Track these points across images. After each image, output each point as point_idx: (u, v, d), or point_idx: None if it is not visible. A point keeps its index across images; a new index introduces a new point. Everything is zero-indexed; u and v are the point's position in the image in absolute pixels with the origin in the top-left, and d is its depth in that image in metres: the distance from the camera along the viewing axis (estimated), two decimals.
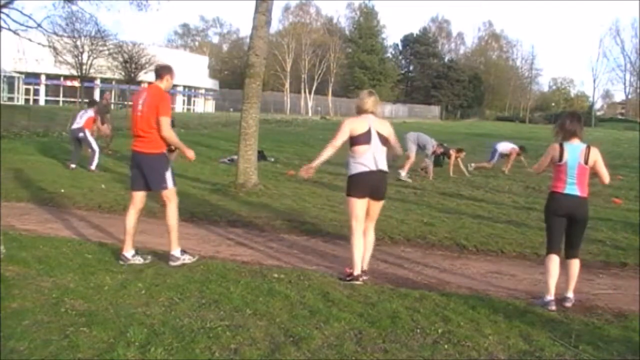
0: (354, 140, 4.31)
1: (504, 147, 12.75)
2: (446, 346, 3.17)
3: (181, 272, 4.26)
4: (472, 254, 5.57)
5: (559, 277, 4.11)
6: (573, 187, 4.07)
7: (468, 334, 3.33)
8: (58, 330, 3.07)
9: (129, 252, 4.54)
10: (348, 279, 4.34)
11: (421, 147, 10.98)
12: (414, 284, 4.50)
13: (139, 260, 4.51)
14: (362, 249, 4.40)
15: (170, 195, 4.58)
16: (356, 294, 4.00)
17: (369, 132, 4.31)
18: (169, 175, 4.53)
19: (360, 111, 4.41)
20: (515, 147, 12.75)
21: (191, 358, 2.85)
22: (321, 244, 5.74)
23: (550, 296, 4.04)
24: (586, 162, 4.06)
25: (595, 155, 4.10)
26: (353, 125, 4.33)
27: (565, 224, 4.14)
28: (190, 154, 4.67)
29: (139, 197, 4.61)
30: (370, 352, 3.04)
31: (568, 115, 4.25)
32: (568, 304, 4.07)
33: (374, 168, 4.29)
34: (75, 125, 10.11)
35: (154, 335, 3.06)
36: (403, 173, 10.40)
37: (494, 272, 4.98)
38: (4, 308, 3.31)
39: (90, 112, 10.28)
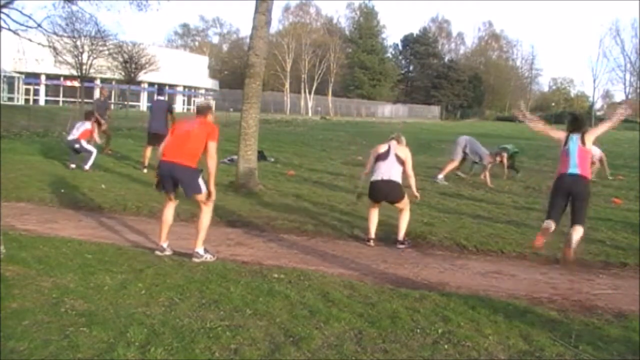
0: (377, 158, 5.81)
1: (594, 152, 12.06)
2: (446, 346, 3.17)
3: (181, 272, 4.27)
4: (472, 254, 5.57)
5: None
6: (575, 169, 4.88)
7: (468, 334, 3.33)
8: (58, 330, 3.07)
9: (199, 248, 4.79)
10: (367, 242, 5.78)
11: (473, 155, 10.61)
12: (414, 284, 4.50)
13: (209, 257, 4.78)
14: (375, 220, 5.82)
15: (203, 199, 4.86)
16: (356, 294, 4.00)
17: (387, 152, 5.75)
18: (201, 180, 4.85)
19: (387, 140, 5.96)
20: (602, 152, 11.98)
21: (191, 358, 2.85)
22: (321, 244, 5.74)
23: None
24: (584, 144, 4.90)
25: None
26: (378, 148, 5.87)
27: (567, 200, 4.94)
28: (213, 190, 4.91)
29: (170, 202, 5.00)
30: (370, 352, 3.04)
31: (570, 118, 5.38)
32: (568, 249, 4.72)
33: (384, 178, 5.66)
34: (71, 137, 10.08)
35: (154, 335, 3.06)
36: (440, 175, 10.27)
37: (494, 272, 4.98)
38: (4, 308, 3.31)
39: (88, 125, 10.21)
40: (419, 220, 6.73)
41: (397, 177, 5.69)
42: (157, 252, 4.86)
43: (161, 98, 10.67)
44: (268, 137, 17.70)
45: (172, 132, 5.05)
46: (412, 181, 5.90)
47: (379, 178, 5.68)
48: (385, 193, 5.71)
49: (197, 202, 4.90)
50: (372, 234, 5.81)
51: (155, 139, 10.20)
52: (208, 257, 4.78)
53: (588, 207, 5.02)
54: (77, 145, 9.96)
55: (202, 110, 5.04)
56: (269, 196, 8.06)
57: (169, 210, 5.00)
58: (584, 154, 4.90)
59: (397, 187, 5.69)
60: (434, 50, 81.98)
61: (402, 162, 5.73)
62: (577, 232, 4.73)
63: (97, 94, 44.26)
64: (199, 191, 4.83)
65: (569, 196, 4.88)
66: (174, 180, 4.83)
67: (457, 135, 12.42)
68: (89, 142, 10.19)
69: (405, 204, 5.79)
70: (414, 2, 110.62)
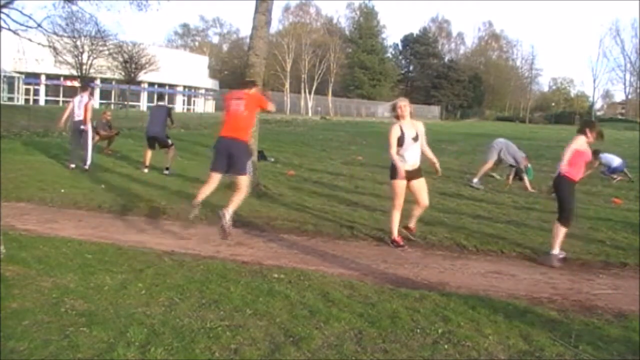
0: None
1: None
2: (446, 346, 3.17)
3: (181, 272, 4.27)
4: (472, 254, 5.57)
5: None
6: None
7: (468, 334, 3.33)
8: (58, 330, 3.07)
9: (228, 210, 5.28)
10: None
11: (509, 158, 10.38)
12: (414, 284, 4.50)
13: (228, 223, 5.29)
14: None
15: (244, 183, 5.47)
16: (356, 294, 4.00)
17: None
18: (249, 164, 5.58)
19: None
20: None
21: (191, 358, 2.85)
22: (321, 244, 5.74)
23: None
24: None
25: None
26: None
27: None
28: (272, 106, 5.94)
29: (216, 178, 5.55)
30: (370, 352, 3.04)
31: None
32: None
33: None
34: (77, 117, 9.98)
35: (154, 335, 3.06)
36: (475, 180, 10.10)
37: (494, 272, 4.98)
38: (4, 308, 3.30)
39: (85, 98, 10.10)
40: (419, 220, 6.72)
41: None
42: (194, 205, 5.46)
43: (161, 103, 10.65)
44: (268, 137, 17.71)
45: (226, 112, 5.61)
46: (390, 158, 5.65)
47: None
48: None
49: (238, 184, 5.45)
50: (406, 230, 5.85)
51: (153, 142, 10.23)
52: (228, 222, 5.24)
53: (564, 202, 5.40)
54: (82, 127, 9.93)
55: (248, 85, 5.80)
56: (269, 196, 8.06)
57: (213, 181, 5.52)
58: (573, 153, 5.37)
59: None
60: (434, 50, 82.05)
61: None
62: (554, 227, 5.43)
63: (97, 94, 44.46)
64: (245, 171, 5.45)
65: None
66: (228, 157, 5.40)
67: (457, 135, 12.40)
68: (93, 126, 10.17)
69: (390, 192, 5.74)
70: (414, 2, 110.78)
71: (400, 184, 5.62)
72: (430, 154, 5.78)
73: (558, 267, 5.15)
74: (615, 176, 11.81)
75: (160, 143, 10.21)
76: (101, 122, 12.76)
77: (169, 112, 10.60)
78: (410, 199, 5.81)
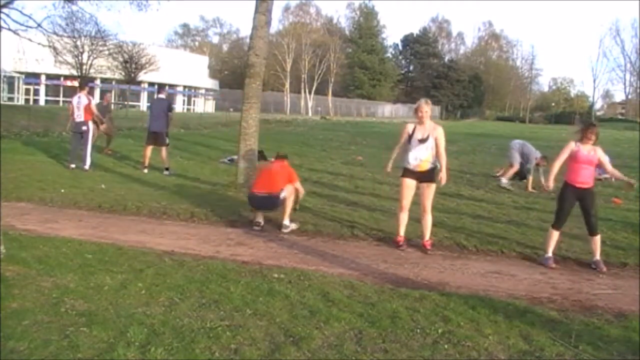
0: None
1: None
2: (446, 346, 3.17)
3: (181, 272, 4.27)
4: (472, 254, 5.57)
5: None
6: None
7: (468, 334, 3.33)
8: (58, 330, 3.07)
9: (285, 220, 6.17)
10: None
11: (524, 158, 10.34)
12: (414, 284, 4.50)
13: (294, 226, 6.24)
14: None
15: (286, 203, 6.21)
16: (356, 294, 4.00)
17: None
18: (281, 197, 6.16)
19: None
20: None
21: (191, 358, 2.85)
22: (321, 244, 5.74)
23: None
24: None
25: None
26: None
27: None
28: (301, 189, 6.73)
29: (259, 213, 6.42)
30: (370, 352, 3.04)
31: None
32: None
33: None
34: (78, 119, 9.96)
35: (154, 335, 3.06)
36: (504, 180, 10.08)
37: (494, 272, 4.98)
38: (4, 308, 3.31)
39: (84, 99, 10.06)
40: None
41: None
42: (284, 230, 6.11)
43: (161, 96, 10.63)
44: (268, 137, 17.68)
45: (259, 173, 6.64)
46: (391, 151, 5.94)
47: None
48: None
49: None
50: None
51: (154, 138, 10.20)
52: (293, 226, 6.18)
53: (557, 204, 5.46)
54: (84, 127, 9.90)
55: (282, 157, 6.77)
56: None
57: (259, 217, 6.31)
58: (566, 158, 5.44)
59: None
60: (434, 50, 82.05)
61: None
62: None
63: (97, 94, 44.47)
64: (280, 203, 6.19)
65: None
66: (264, 209, 6.27)
67: (457, 135, 12.38)
68: (93, 134, 10.14)
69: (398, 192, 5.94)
70: (414, 2, 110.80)
71: (408, 183, 5.65)
72: (442, 161, 5.68)
73: (554, 267, 5.16)
74: (608, 175, 11.75)
75: (158, 139, 10.18)
76: (102, 104, 12.71)
77: (169, 105, 10.59)
78: (417, 201, 5.79)
